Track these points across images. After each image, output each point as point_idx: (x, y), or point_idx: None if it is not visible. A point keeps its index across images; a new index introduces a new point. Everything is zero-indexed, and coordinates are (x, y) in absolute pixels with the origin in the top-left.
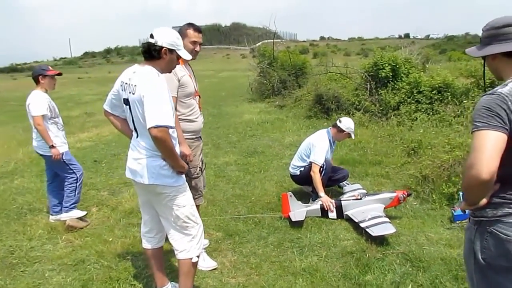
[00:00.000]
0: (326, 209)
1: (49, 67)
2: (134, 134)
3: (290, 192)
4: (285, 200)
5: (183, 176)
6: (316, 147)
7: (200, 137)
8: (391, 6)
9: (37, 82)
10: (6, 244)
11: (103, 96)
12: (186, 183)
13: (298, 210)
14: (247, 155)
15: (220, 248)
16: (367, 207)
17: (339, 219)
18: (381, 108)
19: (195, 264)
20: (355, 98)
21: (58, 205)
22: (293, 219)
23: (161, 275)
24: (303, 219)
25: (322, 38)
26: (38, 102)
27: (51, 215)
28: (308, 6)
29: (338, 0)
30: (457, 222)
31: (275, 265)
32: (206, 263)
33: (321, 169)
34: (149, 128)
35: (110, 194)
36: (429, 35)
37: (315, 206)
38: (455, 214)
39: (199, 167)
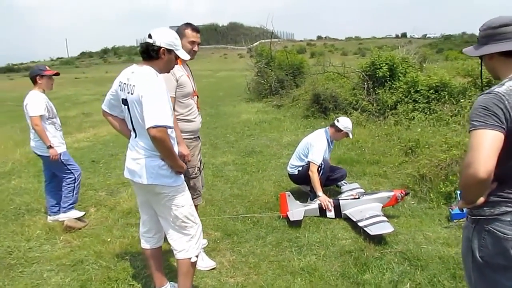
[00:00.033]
0: (324, 208)
1: (47, 67)
2: (133, 134)
3: (289, 192)
4: (283, 200)
5: (182, 176)
6: (314, 147)
7: (198, 137)
8: (388, 5)
9: (34, 82)
10: (4, 245)
11: (100, 96)
12: (185, 183)
13: (296, 210)
14: (245, 155)
15: (219, 247)
16: (365, 206)
17: (337, 219)
18: (378, 108)
19: (194, 264)
20: (352, 97)
21: (56, 205)
22: (291, 219)
23: (160, 275)
24: (301, 218)
25: (319, 37)
26: (36, 102)
27: (49, 215)
28: (305, 6)
29: (335, 0)
30: (455, 221)
31: (273, 264)
32: (205, 263)
33: (319, 168)
34: (148, 128)
35: (108, 194)
36: (426, 35)
37: (313, 205)
38: (452, 213)
39: (198, 167)
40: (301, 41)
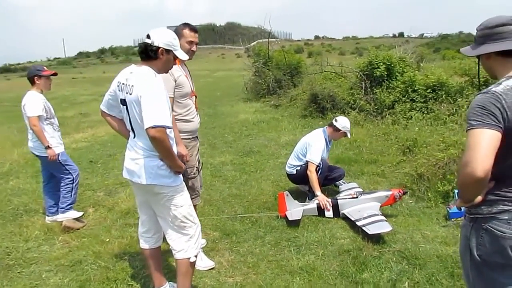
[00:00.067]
0: (322, 208)
1: (44, 67)
2: (131, 134)
3: (287, 191)
4: (281, 199)
5: (181, 176)
6: (313, 146)
7: (196, 137)
8: (385, 5)
9: (32, 82)
10: (3, 246)
11: (98, 97)
12: (184, 183)
13: (295, 209)
14: (243, 154)
15: (218, 247)
16: (363, 206)
17: (336, 218)
18: (376, 107)
19: (193, 264)
20: (350, 97)
21: (54, 206)
22: (290, 218)
23: (159, 275)
24: (299, 218)
25: (316, 37)
26: (34, 102)
27: (47, 216)
28: (302, 6)
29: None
30: (452, 219)
31: (272, 264)
32: (204, 263)
33: (318, 168)
34: (146, 129)
35: (107, 194)
36: (423, 34)
37: (312, 205)
38: (450, 212)
39: (196, 167)
40: (298, 40)
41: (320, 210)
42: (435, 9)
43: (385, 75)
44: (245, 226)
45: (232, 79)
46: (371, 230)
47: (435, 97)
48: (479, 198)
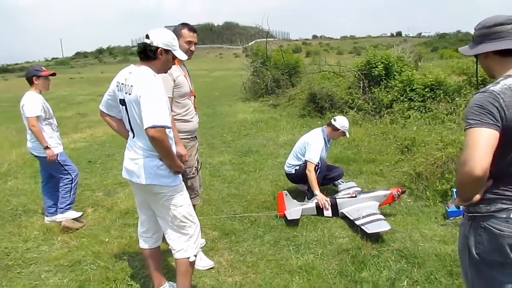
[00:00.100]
0: (321, 207)
1: (43, 67)
2: (131, 134)
3: (286, 191)
4: (280, 199)
5: (180, 176)
6: (311, 146)
7: (195, 137)
8: (383, 4)
9: (31, 83)
10: (2, 246)
11: (96, 97)
12: (183, 183)
13: (294, 209)
14: (242, 154)
15: (217, 247)
16: (362, 205)
17: (335, 217)
18: (374, 106)
19: (192, 264)
20: (348, 96)
21: (53, 206)
22: (288, 218)
23: (159, 275)
24: (298, 217)
25: (314, 36)
26: (32, 103)
27: (46, 216)
28: (300, 6)
29: None
30: (451, 218)
31: (271, 263)
32: (203, 262)
33: (316, 167)
34: (146, 129)
35: (105, 194)
36: (420, 33)
37: (311, 204)
38: (448, 210)
39: (195, 167)
40: (296, 40)
41: (319, 210)
42: (433, 8)
43: (383, 75)
44: (244, 226)
45: (230, 78)
46: (370, 229)
47: (433, 96)
48: (477, 197)
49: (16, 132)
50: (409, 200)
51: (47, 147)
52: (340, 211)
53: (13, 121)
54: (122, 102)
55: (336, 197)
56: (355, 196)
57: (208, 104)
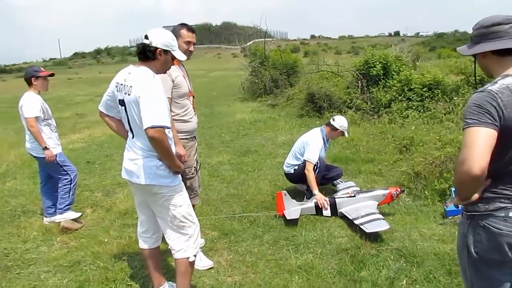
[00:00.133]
0: (320, 207)
1: (42, 68)
2: (130, 134)
3: (285, 191)
4: (279, 199)
5: (179, 176)
6: (310, 146)
7: (194, 137)
8: (381, 4)
9: (29, 83)
10: (1, 247)
11: (94, 97)
12: (182, 183)
13: (293, 208)
14: (241, 154)
15: (216, 247)
16: (360, 204)
17: (334, 217)
18: (372, 106)
19: (192, 264)
20: (346, 96)
21: (52, 206)
22: (288, 217)
23: (158, 275)
24: (297, 217)
25: (312, 36)
26: (31, 103)
27: (45, 217)
28: (298, 5)
29: None
30: (449, 217)
31: (271, 263)
32: (203, 262)
33: (315, 167)
34: (145, 129)
35: (104, 195)
36: (418, 33)
37: (310, 204)
38: (447, 209)
39: (194, 167)
40: (294, 40)
41: (318, 209)
42: (431, 8)
43: (382, 74)
44: (243, 226)
45: (229, 78)
46: (368, 228)
47: (431, 95)
48: (476, 196)
49: (14, 132)
50: (408, 200)
51: (46, 148)
52: (339, 210)
53: (11, 122)
54: (121, 102)
55: (335, 196)
56: (354, 196)
57: (206, 104)
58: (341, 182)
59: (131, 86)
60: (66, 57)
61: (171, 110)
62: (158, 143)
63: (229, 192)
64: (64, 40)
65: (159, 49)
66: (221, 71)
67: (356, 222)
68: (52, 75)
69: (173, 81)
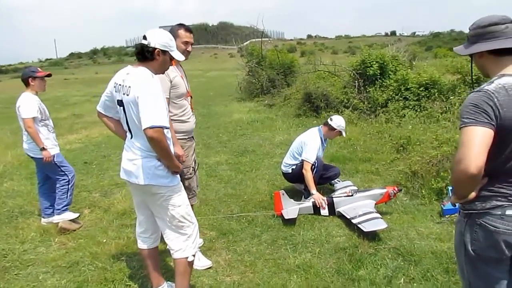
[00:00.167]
0: (318, 206)
1: (39, 68)
2: (128, 135)
3: (283, 190)
4: (277, 198)
5: (178, 176)
6: (308, 145)
7: (192, 137)
8: (377, 4)
9: (27, 84)
10: None
11: (91, 98)
12: (181, 183)
13: (291, 208)
14: (238, 154)
15: (214, 247)
16: (358, 204)
17: (331, 216)
18: (369, 106)
19: (191, 263)
20: (343, 96)
21: (50, 207)
22: (286, 217)
23: (157, 275)
24: (295, 216)
25: (309, 36)
26: (28, 104)
27: (43, 217)
28: (295, 5)
29: None
30: (447, 216)
31: (269, 262)
32: (201, 262)
33: (313, 167)
34: (144, 129)
35: (102, 195)
36: (415, 32)
37: (307, 203)
38: (444, 208)
39: (192, 167)
40: (291, 40)
41: (316, 209)
42: (427, 7)
43: (378, 74)
44: (241, 225)
45: (225, 78)
46: (366, 227)
47: (427, 95)
48: (473, 194)
49: (10, 133)
50: (405, 199)
51: (43, 149)
52: (337, 210)
53: (7, 123)
54: (120, 103)
55: (333, 196)
56: (352, 195)
57: (203, 104)
58: (339, 181)
59: (129, 87)
60: (62, 58)
61: (169, 111)
62: (157, 143)
63: (227, 192)
64: (60, 41)
65: (157, 50)
66: (218, 71)
67: (353, 221)
68: (49, 75)
69: (171, 82)
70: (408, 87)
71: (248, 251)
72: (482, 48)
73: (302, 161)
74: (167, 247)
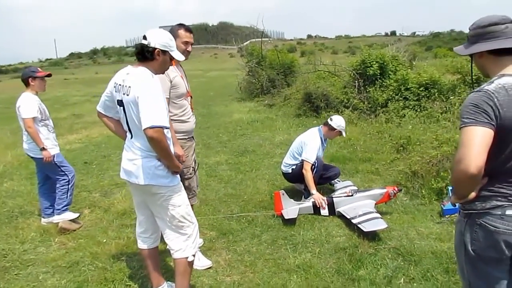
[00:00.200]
0: (318, 206)
1: (39, 68)
2: (128, 135)
3: (283, 190)
4: (277, 198)
5: (178, 176)
6: (308, 145)
7: (192, 137)
8: (377, 4)
9: (27, 84)
10: None
11: (91, 98)
12: (181, 183)
13: (291, 208)
14: (238, 154)
15: (215, 247)
16: (358, 204)
17: (331, 216)
18: (369, 106)
19: (191, 263)
20: (343, 96)
21: (50, 207)
22: (286, 217)
23: (157, 274)
24: (295, 216)
25: (309, 36)
26: (29, 104)
27: (43, 217)
28: (295, 5)
29: None
30: (447, 216)
31: (269, 262)
32: (201, 262)
33: (313, 167)
34: (144, 129)
35: (102, 195)
36: (415, 32)
37: (308, 203)
38: (444, 208)
39: (192, 167)
40: (291, 40)
41: (316, 209)
42: (427, 7)
43: (378, 74)
44: (241, 225)
45: (226, 78)
46: (366, 227)
47: (427, 95)
48: (473, 194)
49: (10, 133)
50: (405, 199)
51: (43, 149)
52: (337, 210)
53: (7, 123)
54: (120, 103)
55: (333, 196)
56: (352, 195)
57: (204, 104)
58: (339, 181)
59: (129, 87)
60: (62, 58)
61: (169, 111)
62: (157, 143)
63: (227, 192)
64: (60, 41)
65: (157, 50)
66: (218, 71)
67: (353, 221)
68: (49, 75)
69: (171, 82)
70: (408, 87)
71: (248, 251)
72: (482, 48)
73: (302, 161)
74: (167, 247)
